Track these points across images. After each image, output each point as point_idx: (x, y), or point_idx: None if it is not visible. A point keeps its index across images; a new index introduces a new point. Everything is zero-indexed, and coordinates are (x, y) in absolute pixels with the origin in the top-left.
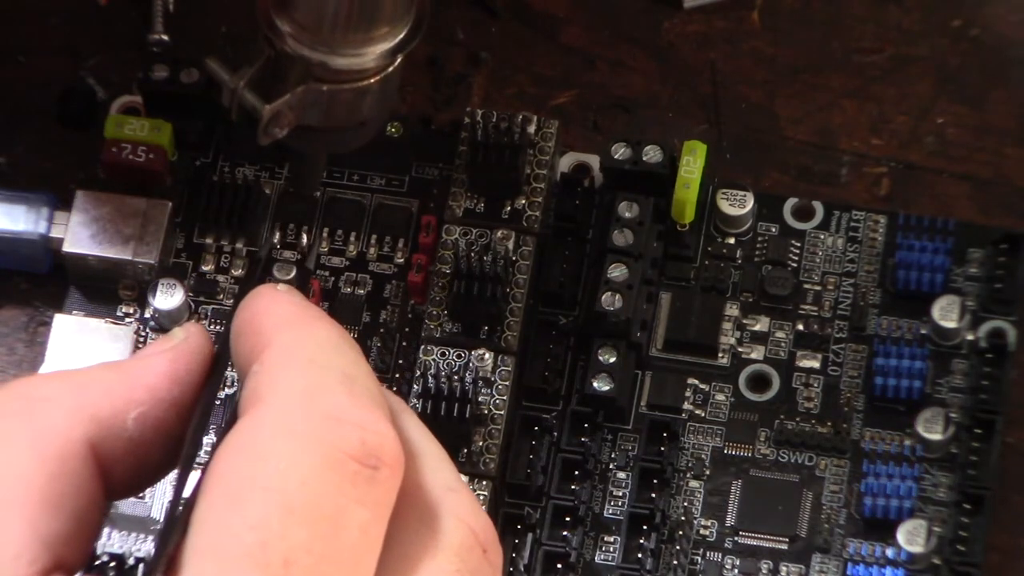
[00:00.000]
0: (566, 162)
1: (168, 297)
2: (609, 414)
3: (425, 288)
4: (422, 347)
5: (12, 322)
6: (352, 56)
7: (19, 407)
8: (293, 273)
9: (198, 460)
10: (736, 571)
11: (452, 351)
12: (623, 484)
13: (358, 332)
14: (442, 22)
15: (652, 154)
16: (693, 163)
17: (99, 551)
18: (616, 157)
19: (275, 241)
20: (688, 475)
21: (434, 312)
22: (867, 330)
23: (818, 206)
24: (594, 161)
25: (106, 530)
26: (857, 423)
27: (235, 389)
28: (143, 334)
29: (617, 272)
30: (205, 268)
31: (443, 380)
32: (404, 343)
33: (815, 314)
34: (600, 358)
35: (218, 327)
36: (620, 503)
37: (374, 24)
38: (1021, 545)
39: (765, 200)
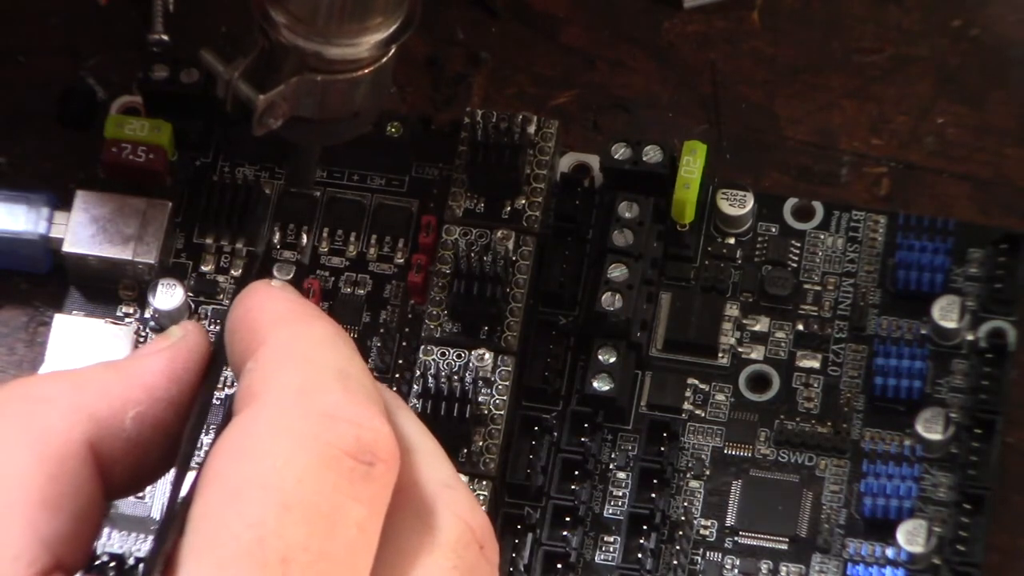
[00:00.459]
0: (566, 162)
1: (168, 297)
2: (609, 414)
3: (425, 288)
4: (422, 347)
5: (12, 322)
6: (346, 46)
7: (17, 408)
8: (293, 273)
9: (197, 459)
10: (736, 571)
11: (452, 351)
12: (623, 484)
13: (358, 332)
14: (442, 22)
15: (652, 154)
16: (693, 163)
17: (99, 551)
18: (616, 157)
19: (275, 240)
20: (688, 475)
21: (434, 312)
22: (867, 330)
23: (818, 206)
24: (594, 161)
25: (106, 530)
26: (857, 423)
27: (235, 389)
28: (143, 334)
29: (617, 272)
30: (205, 268)
31: (443, 380)
32: (404, 343)
33: (815, 314)
34: (600, 358)
35: (217, 327)
36: (620, 503)
37: (368, 14)
38: (1021, 545)
39: (765, 200)
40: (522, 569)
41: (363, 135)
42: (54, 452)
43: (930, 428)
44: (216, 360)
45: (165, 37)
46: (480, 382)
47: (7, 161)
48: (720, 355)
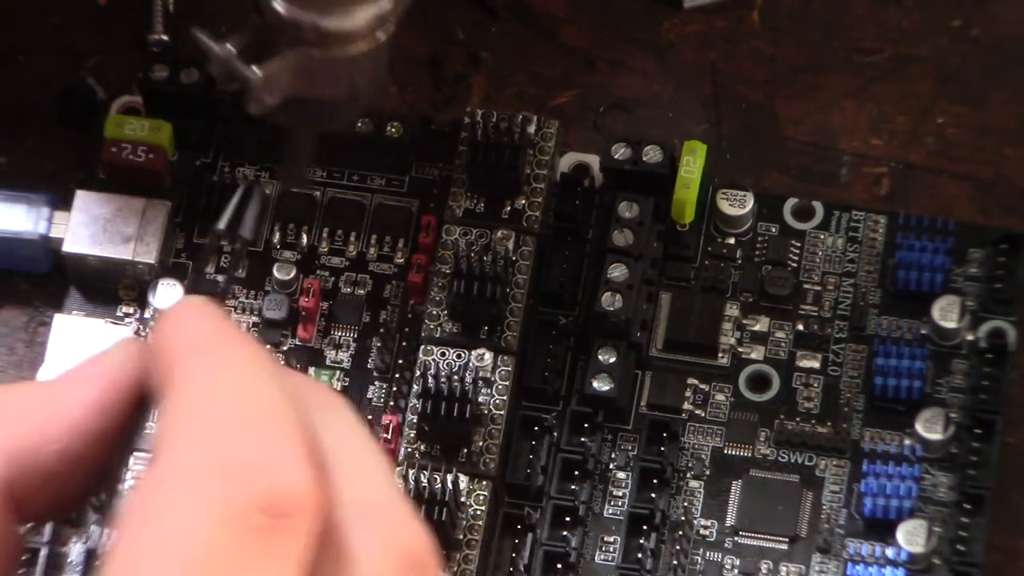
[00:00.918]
0: (566, 162)
1: (168, 297)
2: (609, 414)
3: (425, 288)
4: (422, 347)
5: (12, 322)
6: (342, 17)
7: None
8: (293, 273)
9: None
10: (736, 571)
11: (452, 351)
12: (623, 484)
13: (358, 332)
14: (442, 22)
15: (652, 154)
16: (693, 163)
17: (99, 551)
18: (616, 157)
19: (220, 227)
20: (688, 475)
21: (434, 312)
22: (867, 330)
23: (818, 206)
24: (594, 161)
25: (106, 530)
26: (857, 423)
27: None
28: (143, 334)
29: (617, 272)
30: (205, 268)
31: (443, 380)
32: (404, 343)
33: (815, 314)
34: (600, 358)
35: None
36: (620, 503)
37: None
38: (1021, 545)
39: (765, 200)
40: (522, 569)
41: (363, 135)
42: None
43: (930, 428)
44: (150, 392)
45: (165, 37)
46: (480, 382)
47: (7, 161)
48: (720, 355)
